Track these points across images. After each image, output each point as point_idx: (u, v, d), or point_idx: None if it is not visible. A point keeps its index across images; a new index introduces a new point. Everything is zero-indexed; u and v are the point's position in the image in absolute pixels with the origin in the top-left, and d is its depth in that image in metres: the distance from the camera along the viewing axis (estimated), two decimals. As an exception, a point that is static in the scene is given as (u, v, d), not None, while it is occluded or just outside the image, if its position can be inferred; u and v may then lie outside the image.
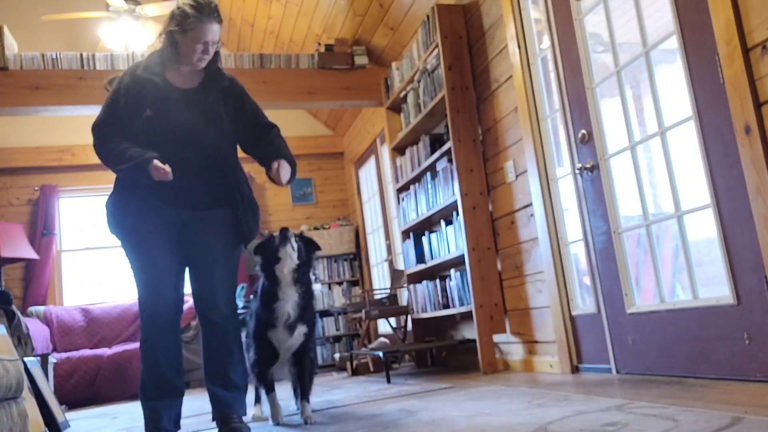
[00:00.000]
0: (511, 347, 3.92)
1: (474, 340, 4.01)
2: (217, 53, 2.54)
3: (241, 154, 2.66)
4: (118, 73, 4.92)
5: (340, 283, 7.07)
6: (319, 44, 5.58)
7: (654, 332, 2.75)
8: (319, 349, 6.56)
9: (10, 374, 2.16)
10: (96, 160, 2.54)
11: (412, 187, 4.88)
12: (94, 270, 6.82)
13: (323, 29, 5.82)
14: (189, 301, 2.64)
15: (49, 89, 4.89)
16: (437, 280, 4.52)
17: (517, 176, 3.72)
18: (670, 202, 2.65)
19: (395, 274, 5.67)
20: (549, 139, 3.45)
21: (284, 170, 2.51)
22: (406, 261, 5.04)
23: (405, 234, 5.03)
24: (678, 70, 2.55)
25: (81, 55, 5.04)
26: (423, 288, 4.76)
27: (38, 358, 3.87)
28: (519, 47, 3.57)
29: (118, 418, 3.89)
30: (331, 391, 3.86)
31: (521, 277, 3.75)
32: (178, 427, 2.52)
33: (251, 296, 2.89)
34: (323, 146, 7.56)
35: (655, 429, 1.70)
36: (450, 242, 4.29)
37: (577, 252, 3.33)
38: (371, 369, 5.04)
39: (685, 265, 2.61)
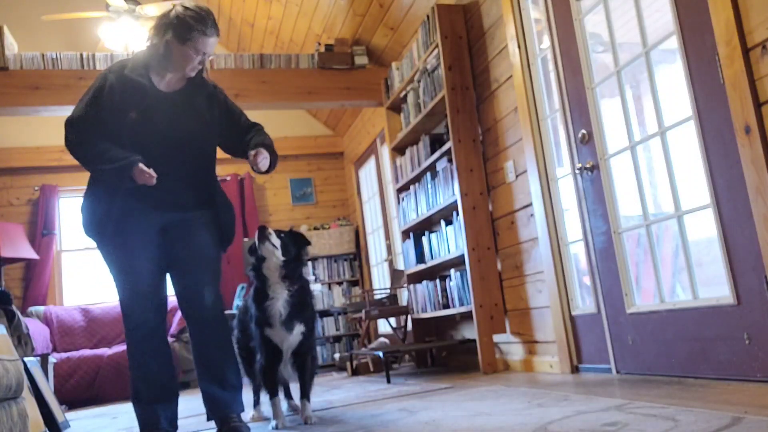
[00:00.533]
0: (511, 347, 3.92)
1: (474, 340, 4.01)
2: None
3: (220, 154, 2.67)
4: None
5: (340, 283, 7.07)
6: (319, 44, 5.58)
7: (654, 332, 2.75)
8: (319, 349, 6.56)
9: (10, 374, 2.16)
10: None
11: (412, 187, 4.88)
12: (94, 270, 6.82)
13: (323, 29, 5.82)
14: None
15: (49, 89, 4.89)
16: (437, 280, 4.52)
17: (517, 176, 3.72)
18: (670, 202, 2.65)
19: (395, 274, 5.67)
20: (549, 139, 3.45)
21: (261, 156, 2.45)
22: (406, 261, 5.04)
23: (405, 234, 5.03)
24: (678, 70, 2.55)
25: (81, 55, 5.04)
26: (423, 288, 4.76)
27: (38, 358, 3.86)
28: (519, 47, 3.57)
29: (118, 418, 3.89)
30: (331, 391, 3.85)
31: (521, 277, 3.75)
32: (175, 428, 2.51)
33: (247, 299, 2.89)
34: (323, 146, 7.56)
35: (655, 429, 1.70)
36: (450, 242, 4.29)
37: (577, 252, 3.33)
38: (371, 369, 5.04)
39: (685, 265, 2.61)
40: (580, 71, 3.10)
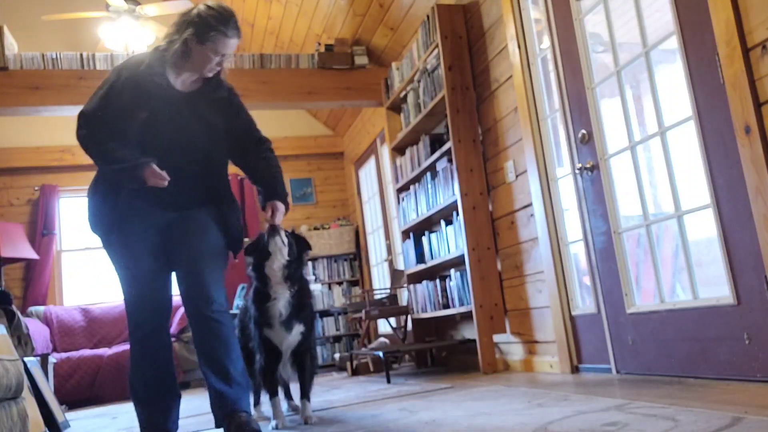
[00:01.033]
0: (511, 347, 3.92)
1: (474, 340, 4.01)
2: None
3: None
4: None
5: (340, 283, 7.07)
6: (319, 44, 5.58)
7: (654, 332, 2.75)
8: (319, 349, 6.56)
9: (10, 374, 2.16)
10: None
11: (412, 187, 4.88)
12: (94, 270, 6.82)
13: (323, 29, 5.82)
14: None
15: (49, 89, 4.89)
16: (437, 280, 4.52)
17: (517, 176, 3.72)
18: (670, 202, 2.65)
19: (395, 274, 5.67)
20: (549, 139, 3.45)
21: (279, 214, 2.55)
22: (406, 261, 5.04)
23: (405, 234, 5.03)
24: (678, 70, 2.55)
25: (81, 55, 5.04)
26: (423, 288, 4.76)
27: (38, 358, 3.87)
28: (519, 47, 3.57)
29: (118, 418, 3.89)
30: (331, 391, 3.85)
31: (521, 277, 3.75)
32: (176, 428, 2.50)
33: (247, 299, 2.88)
34: (323, 146, 7.56)
35: (655, 429, 1.70)
36: (450, 242, 4.29)
37: (577, 252, 3.33)
38: (371, 369, 5.04)
39: (685, 265, 2.61)
40: (580, 71, 3.10)
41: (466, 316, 4.35)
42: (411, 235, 4.90)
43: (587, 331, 3.20)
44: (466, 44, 4.16)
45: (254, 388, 3.04)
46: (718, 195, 2.39)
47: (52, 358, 4.40)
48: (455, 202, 4.06)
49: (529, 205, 3.57)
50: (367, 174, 6.99)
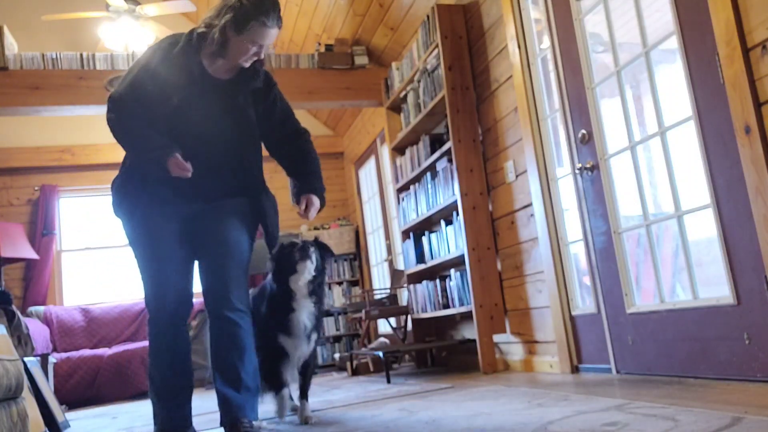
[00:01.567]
0: (511, 347, 3.92)
1: (474, 340, 4.01)
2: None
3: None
4: (118, 73, 4.93)
5: (340, 283, 7.07)
6: (319, 44, 5.58)
7: (654, 332, 2.75)
8: (319, 349, 6.55)
9: (10, 374, 2.16)
10: (96, 159, 2.46)
11: (412, 187, 4.88)
12: (94, 270, 6.82)
13: (323, 29, 5.82)
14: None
15: (49, 89, 4.90)
16: (437, 280, 4.52)
17: (517, 176, 3.72)
18: (670, 202, 2.65)
19: (395, 274, 5.67)
20: (549, 139, 3.45)
21: (314, 210, 2.45)
22: (406, 261, 5.04)
23: (405, 234, 5.03)
24: (678, 70, 2.55)
25: (81, 55, 5.04)
26: (423, 288, 4.76)
27: (38, 358, 3.87)
28: (519, 47, 3.57)
29: (118, 418, 3.89)
30: (331, 391, 3.85)
31: (521, 277, 3.75)
32: (191, 424, 2.42)
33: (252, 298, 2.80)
34: (323, 146, 7.55)
35: (655, 429, 1.70)
36: (450, 242, 4.29)
37: (577, 252, 3.33)
38: (371, 369, 5.04)
39: (685, 265, 2.61)
40: (580, 71, 3.10)
41: (466, 316, 4.35)
42: (411, 235, 4.90)
43: (587, 331, 3.20)
44: (466, 44, 4.16)
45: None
46: (718, 195, 2.39)
47: (52, 358, 4.40)
48: (455, 202, 4.06)
49: (529, 205, 3.57)
50: (367, 174, 6.99)
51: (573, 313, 3.30)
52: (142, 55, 2.36)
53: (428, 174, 4.54)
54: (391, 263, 6.27)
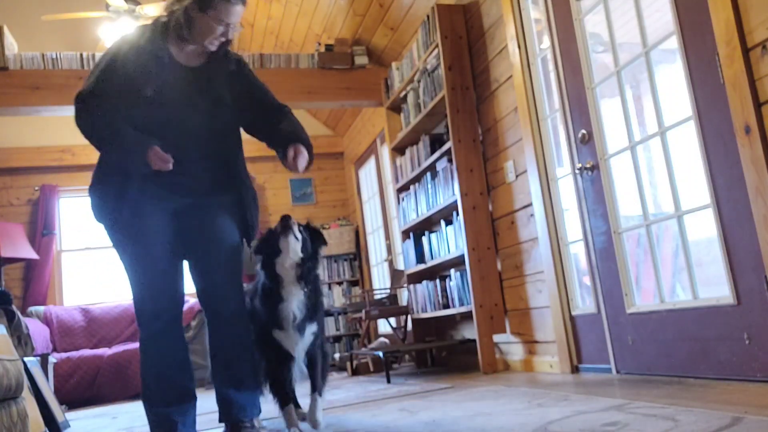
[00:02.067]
0: (511, 347, 3.92)
1: (474, 340, 4.01)
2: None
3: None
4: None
5: (340, 283, 7.07)
6: (319, 44, 5.58)
7: (654, 332, 2.75)
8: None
9: (10, 374, 2.16)
10: (96, 159, 2.41)
11: (412, 187, 4.88)
12: (94, 270, 6.82)
13: (323, 29, 5.82)
14: (188, 300, 2.51)
15: (49, 89, 4.90)
16: (437, 280, 4.52)
17: (517, 176, 3.72)
18: (670, 202, 2.65)
19: (395, 274, 5.67)
20: (549, 139, 3.45)
21: (302, 158, 2.26)
22: (406, 261, 5.04)
23: (405, 234, 5.03)
24: (678, 70, 2.55)
25: (81, 55, 5.05)
26: (423, 288, 4.76)
27: (38, 358, 3.87)
28: (519, 47, 3.57)
29: (118, 418, 3.89)
30: (331, 391, 3.85)
31: (521, 277, 3.75)
32: None
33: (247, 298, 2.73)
34: (323, 146, 7.56)
35: (655, 429, 1.70)
36: (450, 242, 4.29)
37: (577, 252, 3.33)
38: (371, 369, 5.04)
39: (685, 265, 2.61)
40: (580, 71, 3.10)
41: (466, 316, 4.35)
42: (411, 235, 4.90)
43: (587, 331, 3.20)
44: (466, 44, 4.16)
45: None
46: (718, 195, 2.39)
47: (52, 358, 4.40)
48: (455, 202, 4.06)
49: (529, 205, 3.57)
50: (367, 174, 6.99)
51: (573, 313, 3.30)
52: (107, 48, 2.29)
53: (428, 174, 4.54)
54: (391, 263, 6.27)
